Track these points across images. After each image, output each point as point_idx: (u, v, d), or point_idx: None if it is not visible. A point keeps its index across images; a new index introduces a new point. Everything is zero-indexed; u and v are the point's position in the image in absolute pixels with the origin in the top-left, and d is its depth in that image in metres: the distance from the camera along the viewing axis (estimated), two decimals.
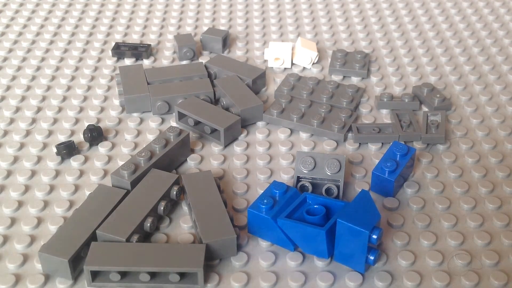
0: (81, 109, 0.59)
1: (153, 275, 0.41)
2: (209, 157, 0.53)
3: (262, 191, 0.45)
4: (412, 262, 0.43)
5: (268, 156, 0.53)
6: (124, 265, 0.40)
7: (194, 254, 0.41)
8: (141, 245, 0.42)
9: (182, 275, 0.40)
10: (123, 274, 0.41)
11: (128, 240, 0.42)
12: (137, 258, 0.40)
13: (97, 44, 0.70)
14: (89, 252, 0.41)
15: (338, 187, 0.47)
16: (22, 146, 0.54)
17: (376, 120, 0.57)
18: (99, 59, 0.67)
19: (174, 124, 0.57)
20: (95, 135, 0.54)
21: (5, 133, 0.56)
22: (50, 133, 0.56)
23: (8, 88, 0.62)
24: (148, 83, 0.59)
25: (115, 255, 0.40)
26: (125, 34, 0.72)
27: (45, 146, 0.54)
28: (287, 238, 0.43)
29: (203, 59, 0.67)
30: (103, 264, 0.40)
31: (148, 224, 0.44)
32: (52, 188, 0.49)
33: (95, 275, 0.41)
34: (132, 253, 0.41)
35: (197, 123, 0.55)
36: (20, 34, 0.72)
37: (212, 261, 0.43)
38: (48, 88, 0.62)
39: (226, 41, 0.69)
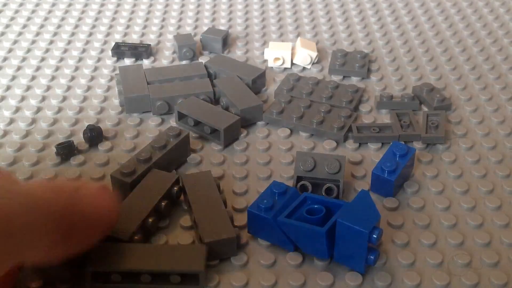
0: (81, 109, 0.59)
1: (154, 276, 0.41)
2: (209, 157, 0.53)
3: (262, 191, 0.45)
4: (412, 262, 0.43)
5: (268, 156, 0.53)
6: (125, 266, 0.40)
7: (196, 255, 0.41)
8: (142, 246, 0.42)
9: (183, 276, 0.40)
10: (124, 275, 0.41)
11: (130, 240, 0.42)
12: (138, 259, 0.40)
13: (97, 44, 0.70)
14: (90, 253, 0.40)
15: (338, 187, 0.47)
16: (21, 146, 0.54)
17: (376, 120, 0.57)
18: (99, 59, 0.67)
19: (174, 124, 0.57)
20: (95, 135, 0.54)
21: (5, 133, 0.56)
22: (50, 133, 0.56)
23: (8, 88, 0.62)
24: (148, 83, 0.59)
25: (116, 256, 0.40)
26: (125, 34, 0.72)
27: (44, 146, 0.54)
28: (287, 238, 0.43)
29: (203, 59, 0.67)
30: (104, 265, 0.40)
31: (150, 224, 0.44)
32: None
33: (96, 276, 0.41)
34: (133, 254, 0.41)
35: (197, 123, 0.55)
36: (20, 34, 0.72)
37: (212, 261, 0.43)
38: (48, 88, 0.62)
39: (226, 41, 0.69)
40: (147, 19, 0.76)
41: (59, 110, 0.59)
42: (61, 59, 0.67)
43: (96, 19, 0.76)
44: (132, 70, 0.61)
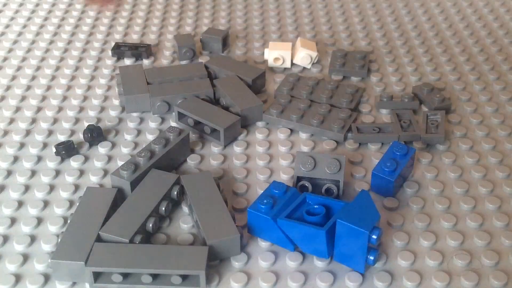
0: (81, 109, 0.59)
1: (155, 277, 0.41)
2: (209, 157, 0.53)
3: (262, 191, 0.45)
4: (412, 262, 0.43)
5: (268, 156, 0.53)
6: (126, 266, 0.40)
7: (197, 256, 0.41)
8: (143, 247, 0.42)
9: (184, 277, 0.40)
10: (125, 275, 0.41)
11: (131, 241, 0.42)
12: (139, 260, 0.40)
13: (97, 44, 0.70)
14: (92, 253, 0.41)
15: (338, 187, 0.47)
16: (22, 146, 0.54)
17: (376, 120, 0.57)
18: (99, 59, 0.67)
19: (174, 124, 0.57)
20: (95, 135, 0.54)
21: (5, 133, 0.56)
22: (50, 133, 0.56)
23: (8, 88, 0.62)
24: (148, 83, 0.59)
25: (118, 256, 0.40)
26: (125, 34, 0.72)
27: (45, 146, 0.54)
28: (287, 238, 0.43)
29: (203, 59, 0.67)
30: (105, 265, 0.40)
31: (151, 225, 0.44)
32: (52, 188, 0.49)
33: (97, 275, 0.41)
34: (134, 255, 0.41)
35: (197, 123, 0.55)
36: (20, 34, 0.72)
37: (216, 260, 0.43)
38: (48, 88, 0.62)
39: (226, 41, 0.69)
40: (147, 19, 0.76)
41: (59, 110, 0.59)
42: (61, 59, 0.67)
43: (96, 19, 0.76)
44: (132, 70, 0.61)
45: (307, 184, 0.48)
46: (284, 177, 0.50)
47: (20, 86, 0.62)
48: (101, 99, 0.60)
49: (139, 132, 0.56)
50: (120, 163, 0.52)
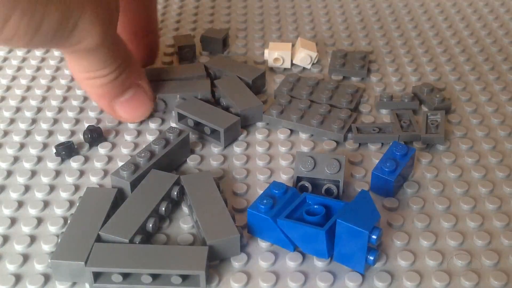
0: (81, 110, 0.59)
1: (155, 277, 0.41)
2: (209, 158, 0.53)
3: (262, 191, 0.45)
4: (412, 262, 0.43)
5: (268, 156, 0.53)
6: (126, 266, 0.40)
7: (197, 256, 0.41)
8: (143, 247, 0.42)
9: (184, 277, 0.40)
10: (125, 276, 0.41)
11: (131, 241, 0.42)
12: (139, 260, 0.40)
13: None
14: (92, 253, 0.41)
15: (338, 187, 0.47)
16: (22, 146, 0.54)
17: (376, 120, 0.57)
18: None
19: (174, 124, 0.57)
20: (95, 135, 0.54)
21: (5, 133, 0.56)
22: (50, 133, 0.56)
23: (8, 88, 0.62)
24: None
25: (118, 256, 0.40)
26: None
27: (45, 146, 0.54)
28: (287, 238, 0.43)
29: (203, 60, 0.67)
30: (105, 265, 0.40)
31: (151, 225, 0.44)
32: (52, 189, 0.49)
33: (97, 276, 0.41)
34: (134, 255, 0.41)
35: (196, 123, 0.55)
36: None
37: (216, 261, 0.43)
38: (48, 88, 0.62)
39: (226, 41, 0.69)
40: None
41: (59, 110, 0.59)
42: (61, 60, 0.67)
43: None
44: None
45: (307, 184, 0.48)
46: (284, 177, 0.50)
47: (20, 86, 0.62)
48: None
49: (139, 132, 0.56)
50: (120, 163, 0.52)
